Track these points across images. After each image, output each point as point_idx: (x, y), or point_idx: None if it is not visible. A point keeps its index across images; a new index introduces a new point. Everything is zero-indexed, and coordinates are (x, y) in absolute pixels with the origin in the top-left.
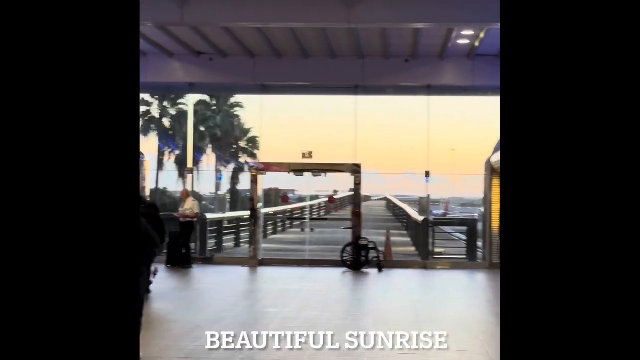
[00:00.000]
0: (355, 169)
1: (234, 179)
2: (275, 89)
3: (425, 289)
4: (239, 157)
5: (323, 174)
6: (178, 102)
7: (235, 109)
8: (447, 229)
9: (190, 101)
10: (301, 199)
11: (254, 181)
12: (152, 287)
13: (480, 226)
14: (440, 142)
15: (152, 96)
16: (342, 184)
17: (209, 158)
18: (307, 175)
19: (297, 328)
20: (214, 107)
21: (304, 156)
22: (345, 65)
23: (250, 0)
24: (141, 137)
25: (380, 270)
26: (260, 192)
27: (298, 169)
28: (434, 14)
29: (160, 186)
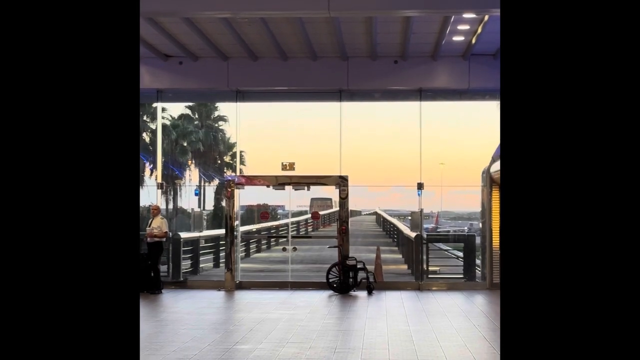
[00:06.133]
0: (340, 182)
1: (218, 195)
2: (251, 95)
3: (422, 316)
4: (224, 172)
5: (306, 188)
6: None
7: (219, 122)
8: (442, 245)
9: (159, 109)
10: (285, 215)
11: (231, 197)
12: None
13: (478, 242)
14: (433, 151)
15: None
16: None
17: (193, 173)
18: (290, 189)
19: None
20: (196, 122)
21: (284, 168)
22: (328, 67)
23: None
24: None
25: (370, 293)
26: (237, 209)
27: (278, 183)
28: None
29: (145, 203)
